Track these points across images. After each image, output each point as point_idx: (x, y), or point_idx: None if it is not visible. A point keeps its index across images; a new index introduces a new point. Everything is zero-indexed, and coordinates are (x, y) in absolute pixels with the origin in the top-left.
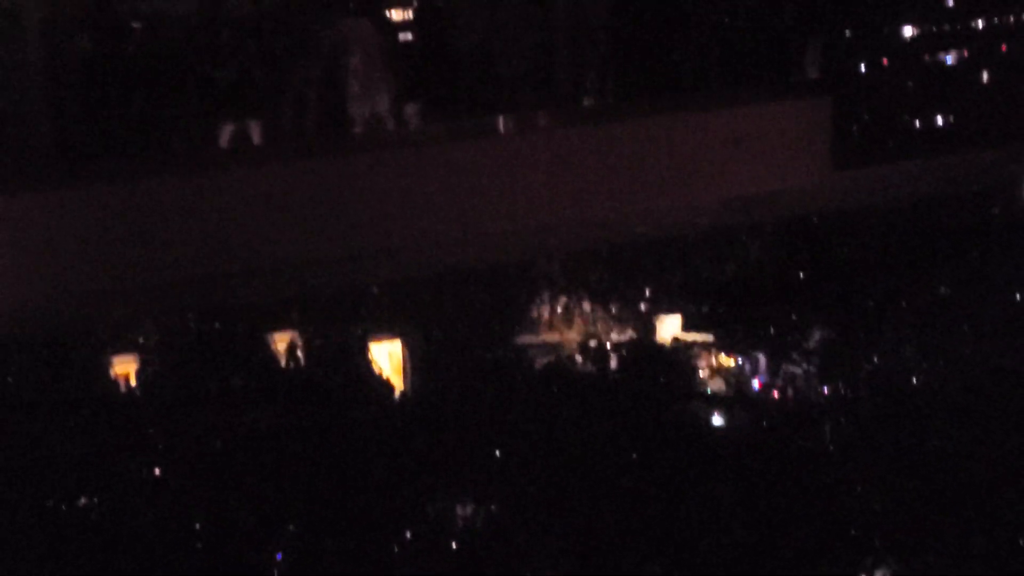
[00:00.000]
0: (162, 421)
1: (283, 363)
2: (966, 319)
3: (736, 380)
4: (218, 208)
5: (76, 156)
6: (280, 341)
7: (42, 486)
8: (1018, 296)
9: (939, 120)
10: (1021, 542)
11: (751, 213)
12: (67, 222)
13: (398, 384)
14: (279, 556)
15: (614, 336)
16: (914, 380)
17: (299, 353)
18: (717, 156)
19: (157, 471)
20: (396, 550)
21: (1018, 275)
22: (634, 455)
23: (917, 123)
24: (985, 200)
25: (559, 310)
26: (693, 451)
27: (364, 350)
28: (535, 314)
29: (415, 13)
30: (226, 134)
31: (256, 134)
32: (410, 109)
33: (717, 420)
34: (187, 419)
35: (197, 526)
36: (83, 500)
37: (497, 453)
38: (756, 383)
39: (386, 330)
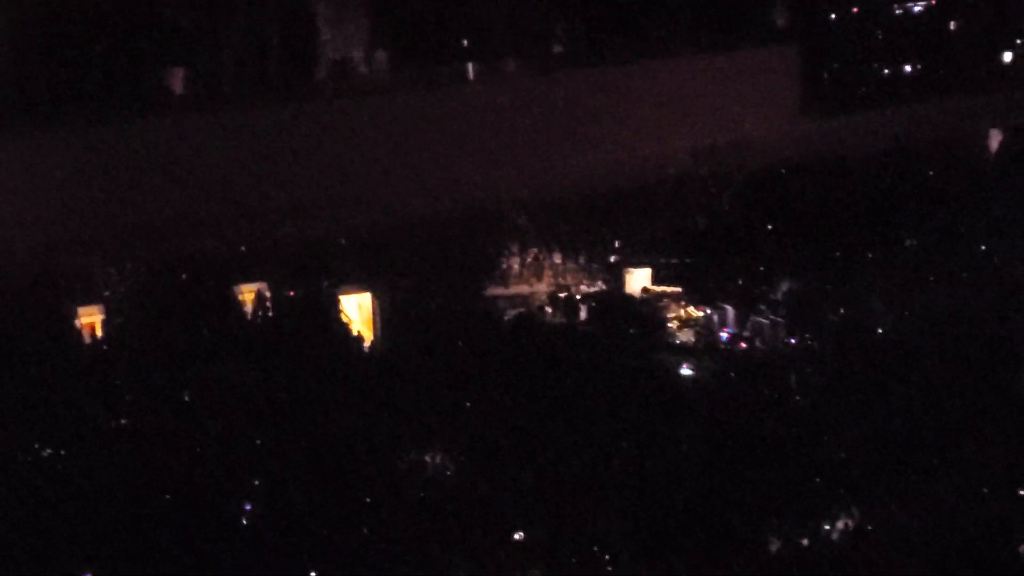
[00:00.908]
0: (126, 373)
1: (251, 315)
2: (932, 270)
3: (704, 331)
4: (180, 155)
5: (32, 102)
6: (248, 292)
7: (7, 438)
8: (983, 246)
9: (908, 68)
10: (983, 490)
11: (720, 163)
12: (25, 169)
13: (368, 336)
14: (247, 507)
15: (583, 288)
16: (879, 330)
17: (267, 304)
18: (685, 105)
19: (123, 422)
20: (366, 500)
21: (984, 225)
22: (603, 405)
23: (886, 71)
24: (953, 150)
25: (529, 261)
26: (662, 401)
27: (334, 302)
28: (504, 266)
29: None
30: (180, 79)
31: (218, 80)
32: (380, 56)
33: (685, 370)
34: (152, 371)
35: (164, 477)
36: (48, 451)
37: (467, 404)
38: (724, 334)
39: (356, 282)
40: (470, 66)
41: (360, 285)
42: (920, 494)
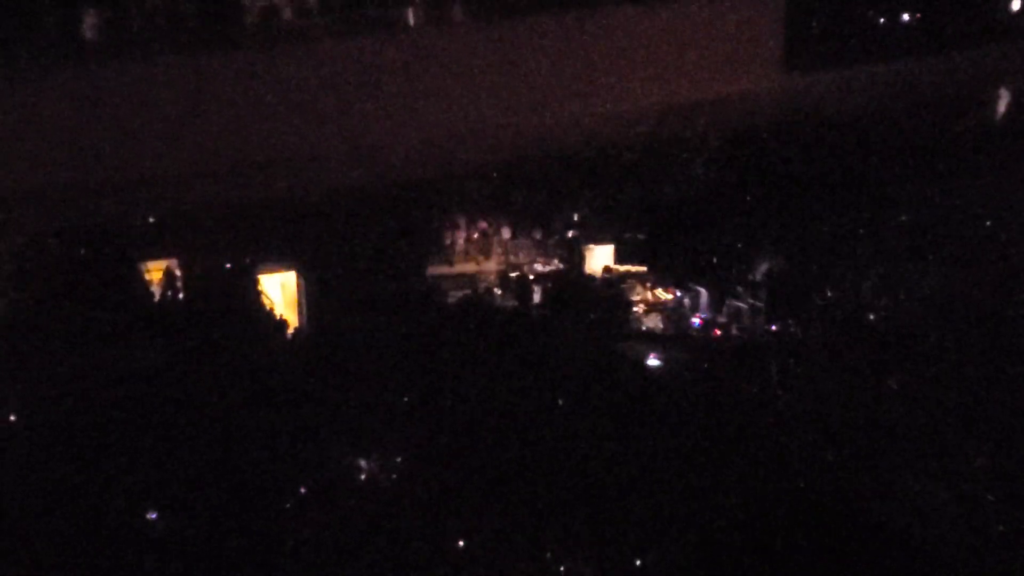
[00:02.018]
0: (17, 357)
1: (158, 296)
2: (932, 248)
3: (674, 316)
4: (77, 111)
5: None
6: (155, 270)
7: None
8: (989, 221)
9: (906, 17)
10: (988, 496)
11: (693, 123)
12: None
13: (292, 320)
14: (153, 515)
15: (537, 267)
16: (872, 317)
17: (176, 284)
18: (654, 57)
19: (12, 417)
20: (287, 508)
21: (991, 197)
22: (560, 399)
23: (881, 21)
24: (956, 111)
25: (475, 236)
26: (626, 394)
27: (253, 281)
28: (448, 241)
29: None
30: (90, 24)
31: (123, 27)
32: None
33: (653, 360)
34: (41, 359)
35: (51, 481)
36: None
37: (405, 399)
38: (696, 320)
39: (278, 259)
40: (409, 10)
41: (283, 263)
42: (915, 500)
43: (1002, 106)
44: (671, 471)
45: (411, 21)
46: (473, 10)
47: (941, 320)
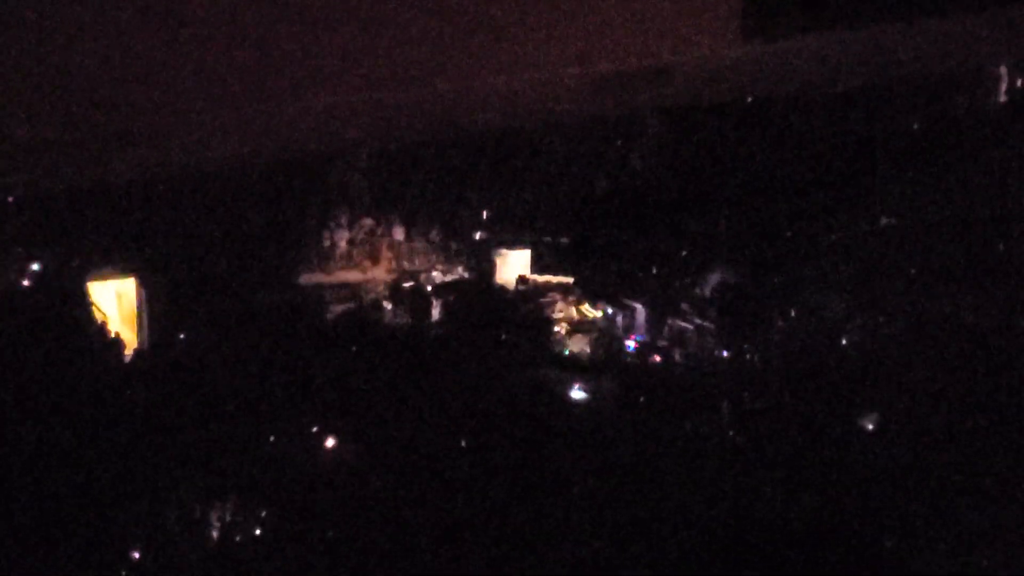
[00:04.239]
0: None
1: None
2: (914, 257)
3: (604, 338)
4: None
5: None
6: None
7: None
8: (982, 228)
9: None
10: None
11: (629, 98)
12: None
13: (130, 337)
14: None
15: (437, 275)
16: (843, 341)
17: None
18: (583, 17)
19: None
20: (120, 559)
21: (985, 199)
22: (462, 439)
23: None
24: (945, 91)
25: (361, 236)
26: (544, 433)
27: (81, 288)
28: (327, 242)
29: None
30: None
31: None
32: None
33: (577, 393)
34: None
35: None
36: None
37: (270, 436)
38: (631, 342)
39: (113, 261)
40: None
41: (120, 265)
42: (894, 559)
43: (1000, 86)
44: (596, 527)
45: None
46: None
47: (926, 346)
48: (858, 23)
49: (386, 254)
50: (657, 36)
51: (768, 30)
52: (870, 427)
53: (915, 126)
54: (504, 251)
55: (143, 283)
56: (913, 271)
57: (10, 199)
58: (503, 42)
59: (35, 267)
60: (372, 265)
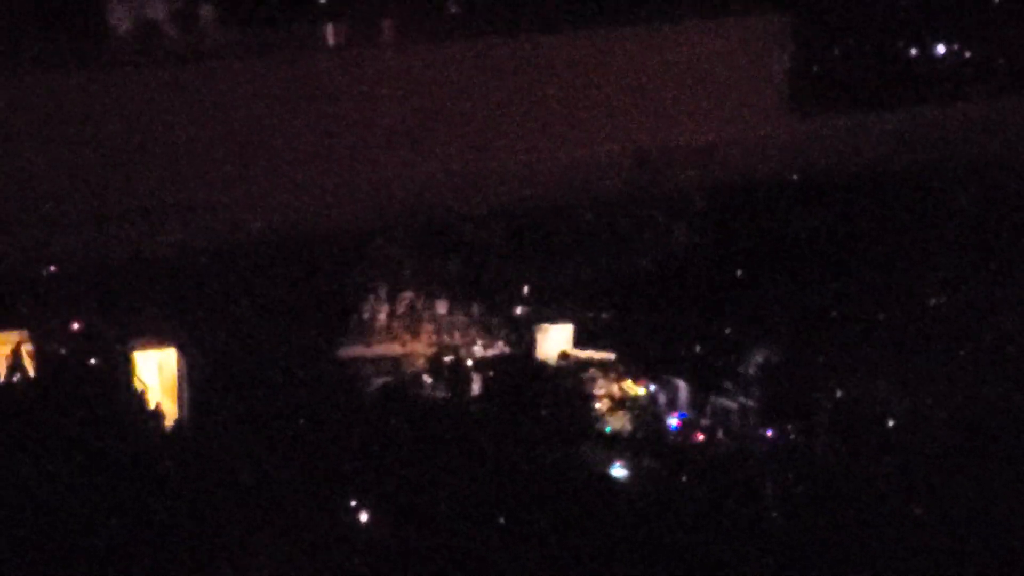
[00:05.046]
0: None
1: (4, 376)
2: (966, 340)
3: (646, 415)
4: None
5: None
6: (2, 343)
7: None
8: None
9: (941, 50)
10: None
11: (674, 176)
12: None
13: (170, 408)
14: None
15: (477, 350)
16: (891, 423)
17: (24, 364)
18: (629, 94)
19: None
20: None
21: None
22: (501, 516)
23: (912, 53)
24: (1003, 170)
25: (401, 311)
26: (584, 513)
27: (123, 361)
28: (366, 315)
29: None
30: None
31: None
32: (205, 12)
33: (618, 471)
34: None
35: None
36: None
37: (310, 508)
38: (673, 420)
39: (155, 333)
40: (330, 27)
41: (161, 337)
42: None
43: None
44: None
45: (330, 40)
46: (406, 30)
47: (977, 432)
48: (908, 103)
49: (426, 328)
50: (701, 113)
51: (817, 106)
52: (919, 512)
53: (966, 206)
54: (545, 326)
55: (184, 354)
56: (962, 353)
57: (52, 268)
58: (548, 120)
59: (76, 337)
60: (412, 339)
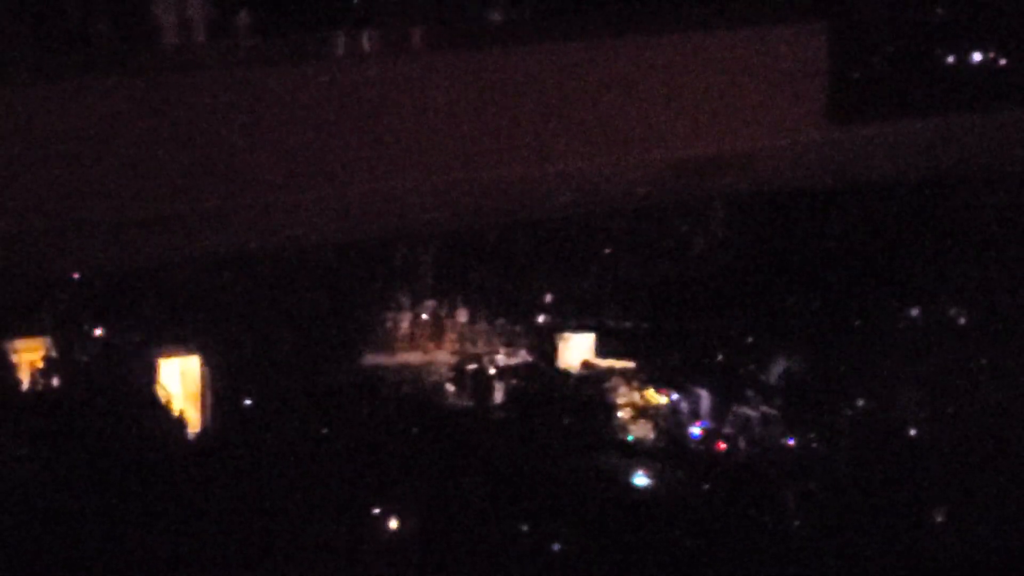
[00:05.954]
0: None
1: (27, 385)
2: (991, 351)
3: (668, 424)
4: None
5: None
6: (25, 351)
7: None
8: None
9: (978, 57)
10: None
11: (702, 184)
12: None
13: (193, 416)
14: None
15: (500, 358)
16: (913, 432)
17: (49, 371)
18: (658, 101)
19: None
20: None
21: None
22: (524, 525)
23: (949, 61)
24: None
25: (423, 319)
26: (606, 520)
27: (147, 367)
28: (389, 323)
29: None
30: None
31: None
32: (241, 19)
33: (640, 479)
34: None
35: None
36: None
37: (331, 517)
38: (696, 429)
39: (177, 340)
40: (365, 34)
41: (184, 345)
42: None
43: None
44: None
45: (365, 46)
46: (437, 38)
47: (999, 441)
48: (945, 111)
49: (449, 336)
50: (733, 121)
51: (852, 114)
52: (939, 520)
53: (999, 214)
54: (567, 335)
55: (206, 362)
56: (984, 362)
57: (76, 276)
58: (576, 129)
59: (100, 345)
60: (434, 347)
